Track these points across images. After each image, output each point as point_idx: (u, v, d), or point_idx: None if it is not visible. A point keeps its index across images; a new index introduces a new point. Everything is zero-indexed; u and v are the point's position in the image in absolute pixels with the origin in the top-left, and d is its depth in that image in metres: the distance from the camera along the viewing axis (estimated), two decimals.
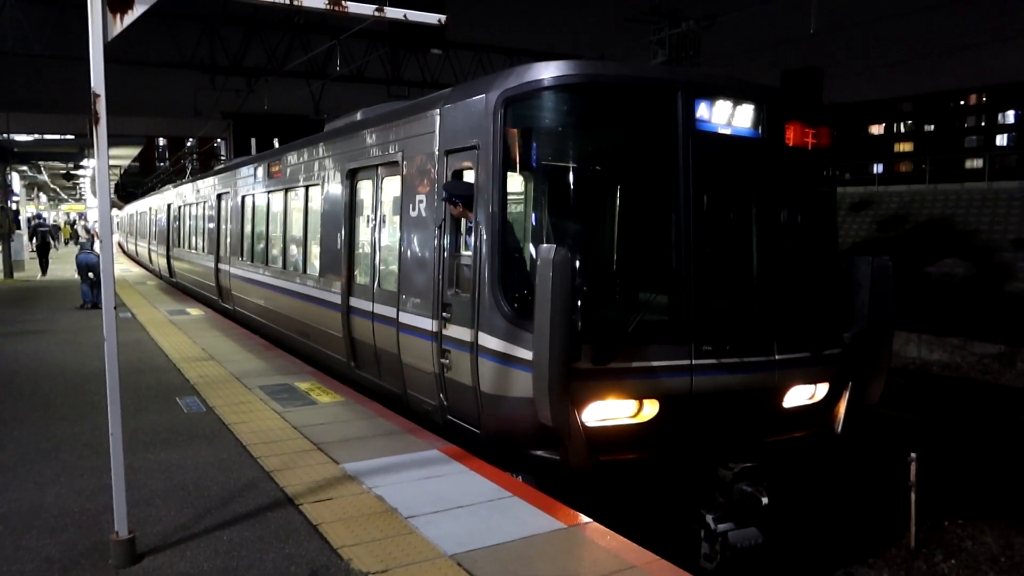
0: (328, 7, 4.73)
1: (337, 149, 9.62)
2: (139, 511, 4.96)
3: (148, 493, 5.41)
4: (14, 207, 31.79)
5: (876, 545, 8.19)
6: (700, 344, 5.85)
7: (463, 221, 6.54)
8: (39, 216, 49.06)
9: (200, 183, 19.30)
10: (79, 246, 17.66)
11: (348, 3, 4.75)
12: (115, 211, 55.12)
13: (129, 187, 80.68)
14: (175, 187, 24.46)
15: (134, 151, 43.64)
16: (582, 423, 5.52)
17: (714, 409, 5.99)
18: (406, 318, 7.30)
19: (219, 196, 16.24)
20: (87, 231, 19.65)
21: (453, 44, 26.34)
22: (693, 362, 5.84)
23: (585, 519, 4.99)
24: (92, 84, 4.16)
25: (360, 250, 8.94)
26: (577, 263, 5.35)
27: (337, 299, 9.08)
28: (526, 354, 5.54)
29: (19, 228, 30.93)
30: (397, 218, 7.73)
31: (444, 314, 6.60)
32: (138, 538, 4.45)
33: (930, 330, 20.79)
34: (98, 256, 15.24)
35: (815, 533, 8.01)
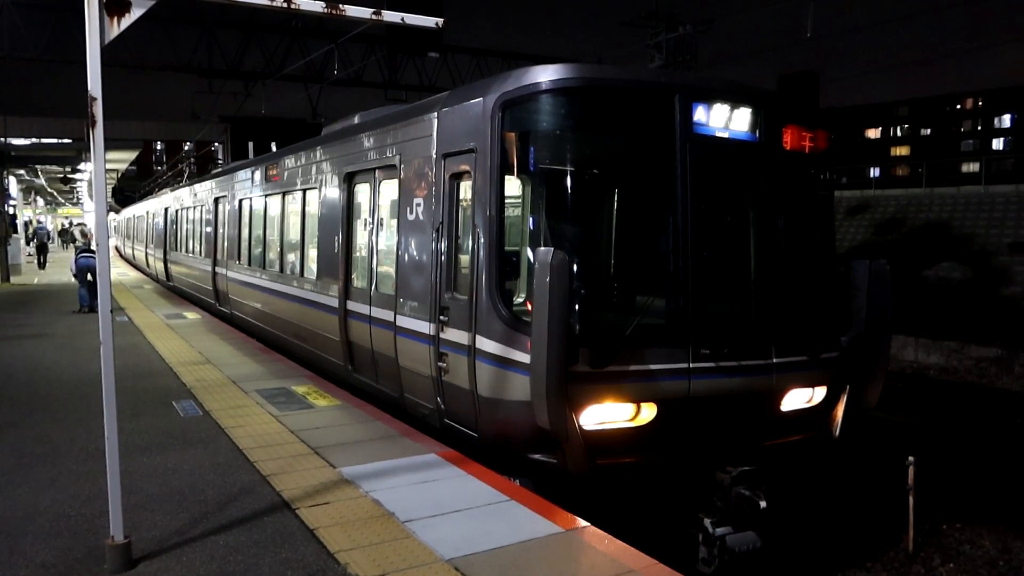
0: (325, 11, 4.73)
1: (334, 153, 9.62)
2: (135, 515, 4.94)
3: (144, 497, 5.39)
4: (11, 211, 31.76)
5: (874, 549, 8.18)
6: (698, 347, 5.85)
7: (461, 225, 6.53)
8: (39, 222, 49.31)
9: (197, 187, 19.29)
10: (76, 249, 17.59)
11: (345, 6, 4.75)
12: (112, 215, 55.07)
13: (126, 191, 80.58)
14: (172, 191, 24.45)
15: (131, 155, 43.66)
16: (580, 427, 5.51)
17: (712, 412, 5.98)
18: (403, 322, 7.29)
19: (216, 200, 16.23)
20: (84, 235, 19.60)
21: (450, 48, 26.35)
22: (691, 365, 5.84)
23: (583, 523, 4.97)
24: (89, 87, 4.16)
25: (357, 254, 8.93)
26: (575, 266, 5.35)
27: (334, 303, 9.06)
28: (524, 358, 5.53)
29: (16, 232, 30.88)
30: (394, 221, 7.72)
31: (441, 317, 6.60)
32: (134, 543, 4.43)
33: (927, 334, 20.80)
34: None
35: (813, 537, 8.00)
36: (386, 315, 7.68)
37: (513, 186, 6.27)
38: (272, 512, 5.15)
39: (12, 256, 26.88)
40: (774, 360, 6.17)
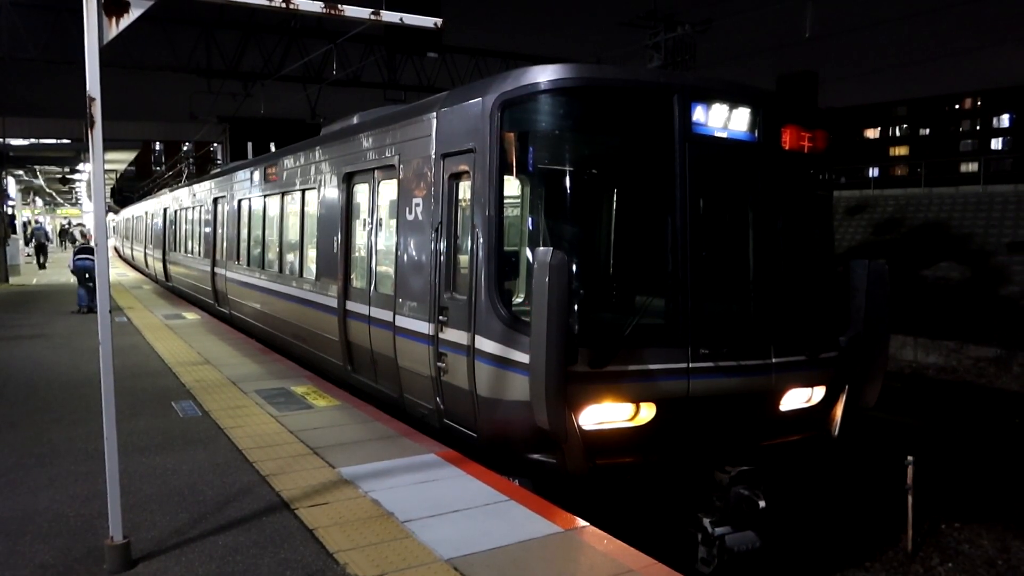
0: (324, 11, 4.73)
1: (333, 153, 9.62)
2: (134, 516, 4.94)
3: (143, 498, 5.39)
4: (10, 212, 31.73)
5: (873, 548, 8.18)
6: (697, 347, 5.85)
7: (460, 225, 6.54)
8: (37, 222, 49.42)
9: (196, 187, 19.29)
10: (74, 248, 17.58)
11: (344, 7, 4.75)
12: (111, 216, 55.04)
13: (125, 191, 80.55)
14: (171, 191, 24.44)
15: (130, 155, 43.58)
16: (579, 426, 5.51)
17: (711, 412, 5.99)
18: (402, 322, 7.29)
19: (215, 200, 16.23)
20: (83, 235, 19.65)
21: (449, 48, 26.31)
22: (690, 365, 5.84)
23: (582, 523, 4.98)
24: (88, 88, 4.16)
25: (356, 254, 8.93)
26: (574, 266, 5.35)
27: (333, 303, 9.06)
28: (523, 357, 5.53)
29: (14, 232, 30.86)
30: (393, 222, 7.72)
31: (441, 318, 6.60)
32: (133, 543, 4.43)
33: (926, 333, 20.82)
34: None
35: (812, 536, 8.01)
36: (385, 315, 7.68)
37: (512, 186, 6.27)
38: (271, 512, 5.15)
39: (11, 257, 26.87)
40: (773, 360, 6.17)
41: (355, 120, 10.11)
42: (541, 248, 5.27)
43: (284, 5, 4.56)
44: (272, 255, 12.25)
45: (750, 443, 6.23)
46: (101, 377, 4.28)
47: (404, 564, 4.36)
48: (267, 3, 4.59)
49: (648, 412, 5.78)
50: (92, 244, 16.19)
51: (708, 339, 5.89)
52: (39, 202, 57.11)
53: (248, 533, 4.82)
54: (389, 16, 5.05)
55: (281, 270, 11.60)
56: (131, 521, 4.71)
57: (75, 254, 17.22)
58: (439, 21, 5.25)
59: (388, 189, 8.05)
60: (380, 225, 8.30)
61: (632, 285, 6.65)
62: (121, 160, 44.29)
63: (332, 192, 9.46)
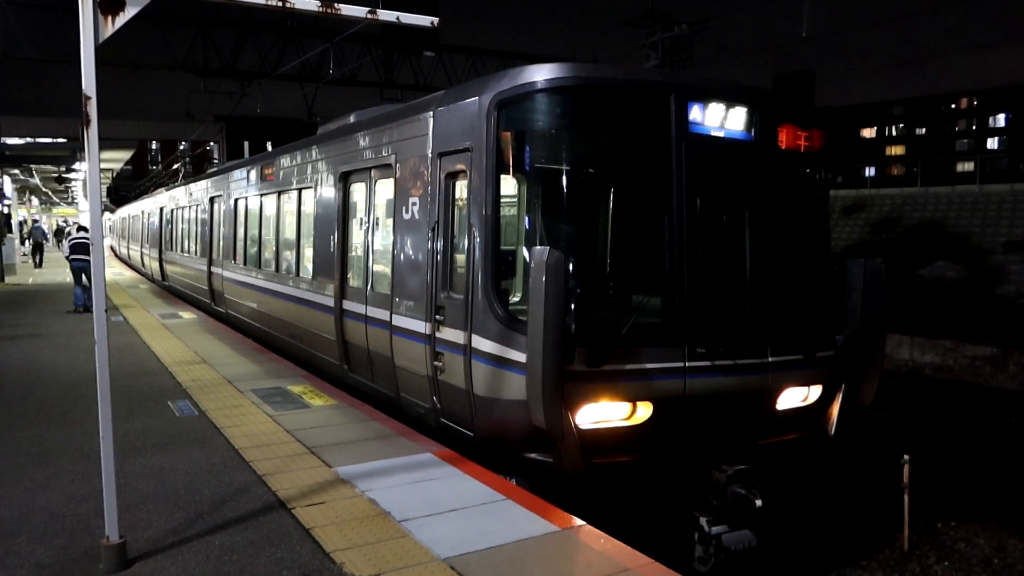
0: (321, 9, 4.72)
1: (330, 152, 9.61)
2: (130, 516, 4.93)
3: (139, 497, 5.38)
4: (5, 211, 31.67)
5: (869, 547, 8.19)
6: (694, 346, 5.86)
7: (456, 224, 6.54)
8: (35, 221, 49.43)
9: (192, 186, 19.26)
10: (69, 243, 17.49)
11: (340, 5, 4.74)
12: (107, 215, 54.94)
13: (121, 190, 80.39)
14: (167, 190, 24.41)
15: (126, 154, 43.60)
16: (575, 425, 5.52)
17: (708, 411, 5.99)
18: (399, 321, 7.29)
19: (212, 199, 16.21)
20: (80, 232, 19.63)
21: (446, 47, 26.30)
22: (687, 364, 5.84)
23: (579, 522, 4.98)
24: (83, 87, 4.15)
25: (353, 253, 8.92)
26: (571, 265, 5.35)
27: (330, 302, 9.06)
28: (519, 357, 5.54)
29: (10, 232, 30.80)
30: (390, 221, 7.72)
31: (437, 317, 6.60)
32: (129, 543, 4.43)
33: (922, 332, 20.84)
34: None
35: (809, 535, 8.02)
36: (382, 314, 7.68)
37: (509, 185, 6.27)
38: (268, 512, 5.15)
39: (7, 256, 26.81)
40: (770, 359, 6.18)
41: (351, 119, 10.10)
42: (538, 247, 5.27)
43: (281, 4, 4.55)
44: (269, 254, 12.24)
45: (747, 442, 6.23)
46: (97, 377, 4.28)
47: (401, 563, 4.36)
48: (264, 2, 4.58)
49: (645, 411, 5.79)
50: (87, 236, 16.09)
51: (705, 338, 5.90)
52: (35, 201, 57.05)
53: (244, 532, 4.82)
54: (386, 15, 5.05)
55: (278, 269, 11.59)
56: (127, 521, 4.71)
57: (70, 248, 17.11)
58: (435, 20, 5.24)
59: (385, 188, 8.04)
60: (377, 224, 8.30)
61: (629, 284, 6.65)
62: (117, 159, 44.28)
63: (329, 191, 9.45)
